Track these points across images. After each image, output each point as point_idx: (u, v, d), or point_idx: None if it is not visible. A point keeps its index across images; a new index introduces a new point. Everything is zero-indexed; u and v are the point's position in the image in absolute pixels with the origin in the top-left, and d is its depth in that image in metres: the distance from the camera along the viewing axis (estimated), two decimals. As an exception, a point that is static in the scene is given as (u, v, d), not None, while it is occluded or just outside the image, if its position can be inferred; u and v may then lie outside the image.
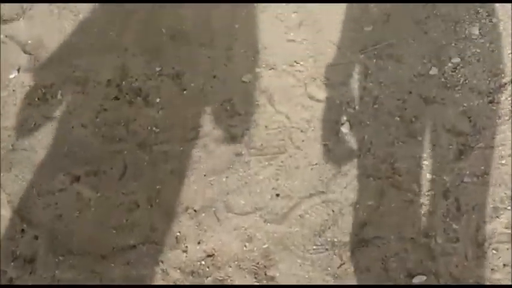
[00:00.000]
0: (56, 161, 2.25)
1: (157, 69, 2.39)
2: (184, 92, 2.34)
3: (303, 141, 2.19)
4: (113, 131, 2.29)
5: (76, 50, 2.46)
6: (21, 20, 2.54)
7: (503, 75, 2.24)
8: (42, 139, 2.30)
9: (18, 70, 2.44)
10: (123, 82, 2.37)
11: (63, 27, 2.51)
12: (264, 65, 2.36)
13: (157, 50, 2.43)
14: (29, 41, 2.49)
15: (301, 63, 2.35)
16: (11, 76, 2.42)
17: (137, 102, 2.33)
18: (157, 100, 2.34)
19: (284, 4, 2.48)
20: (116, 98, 2.34)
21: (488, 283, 1.95)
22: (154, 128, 2.28)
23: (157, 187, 2.16)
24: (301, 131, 2.21)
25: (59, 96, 2.37)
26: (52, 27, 2.51)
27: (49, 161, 2.25)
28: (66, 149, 2.27)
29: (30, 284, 2.06)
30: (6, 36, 2.50)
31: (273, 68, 2.34)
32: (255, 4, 2.49)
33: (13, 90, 2.40)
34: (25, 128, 2.32)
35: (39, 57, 2.46)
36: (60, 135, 2.30)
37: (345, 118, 2.22)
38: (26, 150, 2.28)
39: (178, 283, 2.03)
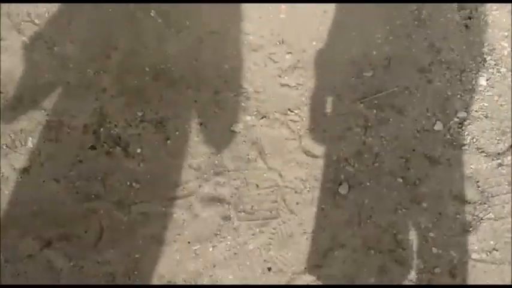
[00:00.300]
0: (25, 222, 1.38)
1: (139, 114, 1.48)
2: (168, 141, 1.45)
3: (297, 203, 1.36)
4: (88, 186, 1.41)
5: (50, 89, 1.53)
6: (-11, 52, 1.56)
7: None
8: (10, 194, 1.40)
9: (-16, 112, 1.49)
10: (101, 128, 1.47)
11: (37, 61, 1.55)
12: (255, 113, 1.47)
13: (139, 91, 1.52)
14: (-2, 77, 1.53)
15: (296, 111, 1.47)
16: (-24, 119, 1.49)
17: (116, 152, 1.44)
18: (138, 151, 1.45)
19: (277, 43, 1.55)
20: (93, 148, 1.44)
21: None
22: (134, 184, 1.41)
23: (136, 256, 1.33)
24: (296, 192, 1.37)
25: (29, 144, 1.45)
26: (24, 62, 1.56)
27: (17, 221, 1.38)
28: (36, 207, 1.39)
29: None
30: (-29, 71, 1.53)
31: (264, 117, 1.46)
32: (246, 42, 1.55)
33: (-23, 135, 1.47)
34: (-10, 180, 1.42)
35: (8, 97, 1.51)
36: (30, 191, 1.42)
37: (342, 177, 1.36)
38: (-9, 207, 1.39)
39: None
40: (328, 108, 1.53)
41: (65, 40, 1.62)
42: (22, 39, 1.63)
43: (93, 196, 1.46)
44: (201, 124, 1.54)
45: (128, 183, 1.47)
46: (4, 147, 1.52)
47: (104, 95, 1.57)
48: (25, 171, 1.49)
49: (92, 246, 1.40)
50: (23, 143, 1.52)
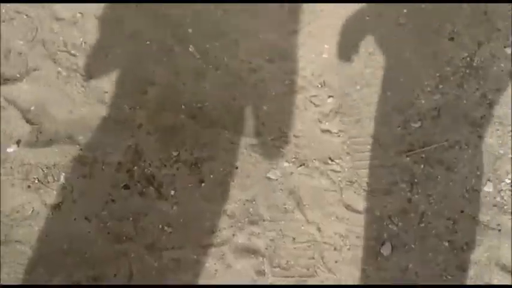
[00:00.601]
0: (54, 260, 1.41)
1: (174, 153, 1.49)
2: (203, 184, 1.46)
3: (336, 262, 1.34)
4: (120, 227, 1.43)
5: (84, 123, 1.54)
6: (24, 81, 1.59)
7: None
8: (40, 230, 1.42)
9: (18, 143, 1.52)
10: (135, 167, 1.48)
11: (72, 94, 1.58)
12: (293, 159, 1.46)
13: (174, 130, 1.53)
14: (32, 108, 1.57)
15: (337, 161, 1.45)
16: (10, 150, 1.52)
17: (149, 193, 1.45)
18: (172, 193, 1.45)
19: (319, 85, 1.53)
20: (126, 187, 1.46)
21: None
22: (166, 227, 1.42)
23: (167, 306, 1.31)
24: (335, 249, 1.35)
25: (61, 180, 1.47)
26: (58, 93, 1.59)
27: (46, 259, 1.40)
28: (67, 245, 1.41)
29: None
30: (5, 100, 1.55)
31: (303, 164, 1.45)
32: (286, 82, 1.54)
33: (11, 168, 1.49)
34: (21, 215, 1.45)
35: (42, 129, 1.54)
36: (61, 228, 1.44)
37: (385, 236, 1.34)
38: (21, 243, 1.44)
39: None
40: (372, 160, 1.50)
41: (101, 73, 1.64)
42: (58, 70, 1.65)
43: (124, 238, 1.47)
44: (236, 168, 1.54)
45: (160, 227, 1.48)
46: (36, 181, 1.54)
47: (140, 131, 1.58)
48: (57, 207, 1.51)
49: (121, 292, 1.41)
50: (56, 178, 1.54)
